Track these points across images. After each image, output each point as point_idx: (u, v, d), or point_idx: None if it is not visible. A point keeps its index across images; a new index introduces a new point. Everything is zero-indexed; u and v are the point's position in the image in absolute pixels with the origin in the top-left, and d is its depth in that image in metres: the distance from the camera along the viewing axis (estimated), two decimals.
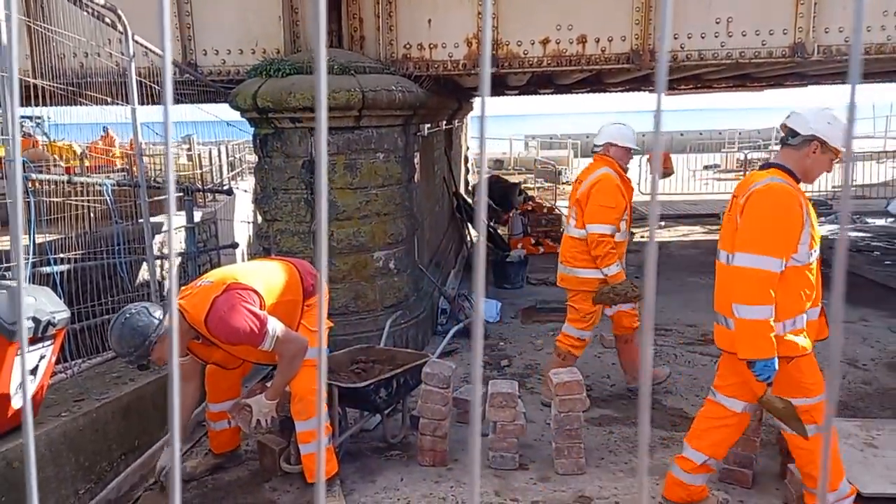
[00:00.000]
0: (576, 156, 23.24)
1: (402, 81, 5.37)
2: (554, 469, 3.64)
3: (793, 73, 8.23)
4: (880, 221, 11.33)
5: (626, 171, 4.47)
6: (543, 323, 6.45)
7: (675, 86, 10.66)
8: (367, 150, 5.21)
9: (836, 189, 14.22)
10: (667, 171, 14.72)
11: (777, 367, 2.71)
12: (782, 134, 3.02)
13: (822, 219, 11.84)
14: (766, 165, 3.02)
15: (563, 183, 18.14)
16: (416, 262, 5.89)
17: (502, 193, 12.72)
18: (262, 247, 5.57)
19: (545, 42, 5.58)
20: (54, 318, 3.13)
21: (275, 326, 3.10)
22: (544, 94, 12.67)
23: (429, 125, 6.64)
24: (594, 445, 3.95)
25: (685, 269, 8.58)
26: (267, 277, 3.34)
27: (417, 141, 6.20)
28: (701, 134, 26.99)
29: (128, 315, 3.01)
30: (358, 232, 5.23)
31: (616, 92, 12.08)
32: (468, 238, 9.24)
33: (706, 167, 17.97)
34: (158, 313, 3.06)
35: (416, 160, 6.10)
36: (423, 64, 5.71)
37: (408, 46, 5.71)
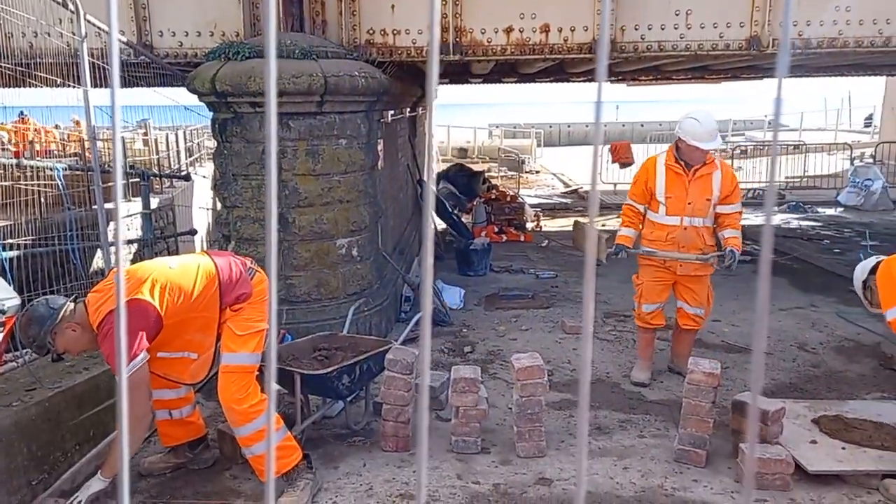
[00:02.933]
0: (539, 145, 23.42)
1: (365, 67, 5.32)
2: (515, 452, 3.69)
3: (749, 65, 8.43)
4: (830, 211, 11.74)
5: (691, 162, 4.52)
6: (506, 310, 6.52)
7: (635, 77, 10.82)
8: (330, 136, 5.16)
9: (788, 179, 14.67)
10: (627, 161, 14.95)
11: None
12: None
13: (776, 208, 12.21)
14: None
15: (526, 171, 18.27)
16: (379, 249, 5.88)
17: (466, 182, 12.74)
18: (222, 234, 5.48)
19: (509, 30, 5.59)
20: (4, 305, 3.04)
21: (138, 371, 2.90)
22: (508, 82, 12.71)
23: (392, 112, 6.61)
24: (554, 429, 4.02)
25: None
26: (179, 292, 3.12)
27: (381, 127, 6.16)
28: (660, 125, 27.41)
29: (30, 306, 2.99)
30: (320, 219, 5.18)
31: (578, 82, 12.19)
32: (433, 225, 9.24)
33: None
34: (60, 304, 2.99)
35: (380, 147, 6.06)
36: (387, 50, 5.66)
37: (371, 32, 5.66)
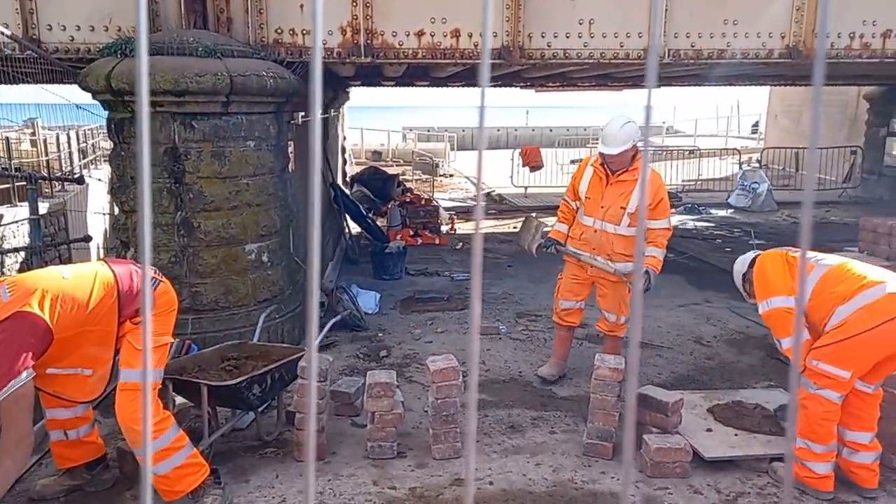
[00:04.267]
0: (453, 148, 23.68)
1: (273, 67, 5.18)
2: (431, 455, 3.71)
3: None
4: (722, 212, 12.54)
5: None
6: (422, 313, 6.53)
7: (543, 83, 11.14)
8: (237, 137, 4.99)
9: (685, 182, 15.57)
10: (536, 165, 15.37)
11: None
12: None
13: (673, 210, 12.93)
14: None
15: (440, 175, 18.41)
16: (291, 254, 5.74)
17: (380, 185, 12.70)
18: (120, 240, 5.18)
19: (420, 34, 5.62)
20: None
21: (20, 390, 2.71)
22: (421, 86, 12.75)
23: (303, 113, 6.48)
24: (469, 429, 4.06)
25: (551, 258, 9.00)
26: (73, 303, 2.92)
27: (291, 129, 6.02)
28: (568, 130, 28.42)
29: None
30: (228, 223, 5.00)
31: (491, 86, 12.40)
32: (347, 230, 9.14)
33: (572, 161, 18.96)
34: None
35: (291, 149, 5.93)
36: (296, 50, 5.55)
37: (279, 31, 5.53)
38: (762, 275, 3.53)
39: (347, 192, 11.08)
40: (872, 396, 3.33)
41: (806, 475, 3.33)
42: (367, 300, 6.45)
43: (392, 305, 6.76)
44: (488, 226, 11.95)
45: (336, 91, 9.41)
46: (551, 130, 28.07)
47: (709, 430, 3.86)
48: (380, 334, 5.89)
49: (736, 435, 3.78)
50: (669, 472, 3.48)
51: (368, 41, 5.59)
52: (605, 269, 4.53)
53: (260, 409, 3.80)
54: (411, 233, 9.98)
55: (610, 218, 4.50)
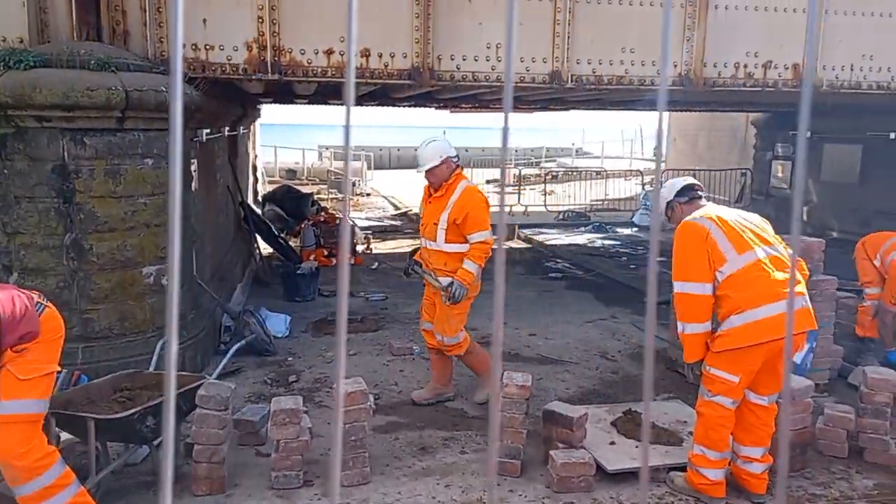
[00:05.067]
0: (370, 167, 23.61)
1: None
2: (339, 482, 3.61)
3: (555, 98, 9.21)
4: (627, 231, 13.11)
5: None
6: (335, 335, 6.39)
7: (456, 104, 11.33)
8: (134, 154, 4.75)
9: (593, 202, 16.20)
10: None
11: None
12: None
13: (582, 228, 13.43)
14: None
15: (357, 194, 18.27)
16: (194, 277, 5.50)
17: (294, 204, 12.43)
18: (2, 264, 4.79)
19: (329, 52, 5.58)
20: None
21: None
22: (335, 104, 12.66)
23: (208, 130, 6.26)
24: (380, 453, 4.00)
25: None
26: None
27: (194, 147, 5.81)
28: (483, 150, 28.99)
29: None
30: (123, 245, 4.73)
31: (403, 106, 12.48)
32: (257, 251, 8.87)
33: (487, 181, 19.37)
34: None
35: (194, 167, 5.71)
36: (199, 65, 5.37)
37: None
38: (683, 251, 3.46)
39: (259, 211, 10.79)
40: (767, 410, 3.51)
41: (700, 482, 3.49)
42: (277, 323, 6.27)
43: (304, 328, 6.60)
44: (405, 245, 11.95)
45: (245, 108, 9.17)
46: (467, 150, 28.48)
47: (612, 442, 3.98)
48: (289, 358, 5.72)
49: (637, 447, 3.92)
50: (575, 486, 3.55)
51: (276, 58, 5.49)
52: (435, 285, 4.59)
53: (156, 443, 3.59)
54: (325, 253, 9.82)
55: (428, 235, 4.65)
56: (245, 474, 3.74)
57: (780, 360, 3.36)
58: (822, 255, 5.13)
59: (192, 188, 5.63)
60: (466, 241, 4.50)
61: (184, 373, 4.22)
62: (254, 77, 5.57)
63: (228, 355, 4.12)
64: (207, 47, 5.39)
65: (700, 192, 3.81)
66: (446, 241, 4.55)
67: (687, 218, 3.59)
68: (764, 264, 3.39)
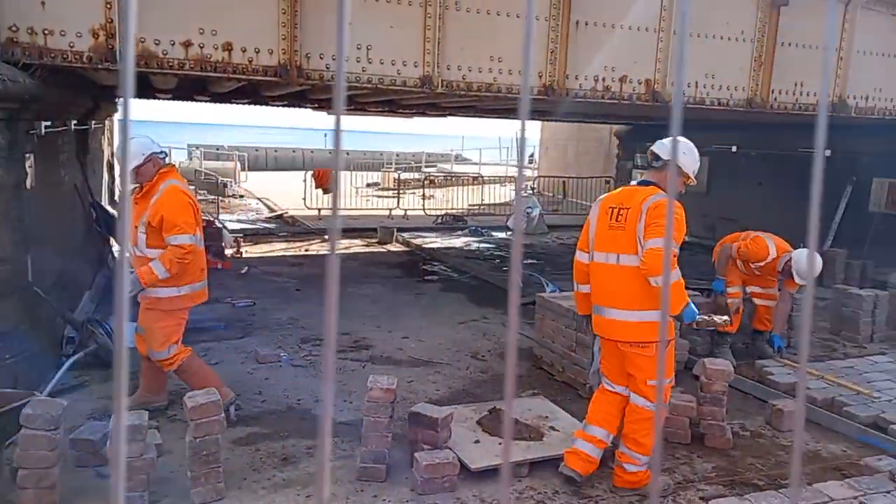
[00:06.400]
0: (244, 168, 22.69)
1: (5, 69, 4.49)
2: (190, 500, 3.38)
3: (431, 103, 9.30)
4: (501, 234, 13.51)
5: None
6: (195, 343, 6.00)
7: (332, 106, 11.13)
8: None
9: (470, 207, 16.56)
10: (329, 188, 15.25)
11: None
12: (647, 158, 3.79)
13: (459, 231, 13.67)
14: (643, 183, 3.77)
15: (229, 195, 17.46)
16: (29, 284, 4.97)
17: None
18: None
19: (187, 44, 5.26)
20: None
21: None
22: (202, 100, 12.04)
23: (49, 123, 5.70)
24: (238, 466, 3.80)
25: (345, 280, 8.95)
26: None
27: (31, 140, 5.27)
28: (365, 154, 28.82)
29: None
30: None
31: (277, 105, 12.10)
32: (110, 255, 8.19)
33: (368, 185, 19.23)
34: None
35: (30, 163, 5.17)
36: (35, 51, 4.88)
37: (14, 29, 4.82)
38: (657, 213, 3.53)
39: (114, 212, 9.98)
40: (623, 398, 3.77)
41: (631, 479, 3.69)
42: (129, 333, 5.79)
43: None
44: (279, 248, 11.55)
45: (97, 100, 8.46)
46: (348, 154, 28.19)
47: (476, 441, 4.04)
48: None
49: (500, 444, 4.00)
50: (439, 487, 3.56)
51: (126, 47, 5.09)
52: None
53: None
54: None
55: (131, 239, 4.19)
56: (83, 498, 3.40)
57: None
58: None
59: (27, 185, 5.10)
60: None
61: (11, 390, 3.79)
62: (100, 67, 5.13)
63: (63, 369, 3.75)
64: (46, 32, 4.90)
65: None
66: (148, 246, 4.16)
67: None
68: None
